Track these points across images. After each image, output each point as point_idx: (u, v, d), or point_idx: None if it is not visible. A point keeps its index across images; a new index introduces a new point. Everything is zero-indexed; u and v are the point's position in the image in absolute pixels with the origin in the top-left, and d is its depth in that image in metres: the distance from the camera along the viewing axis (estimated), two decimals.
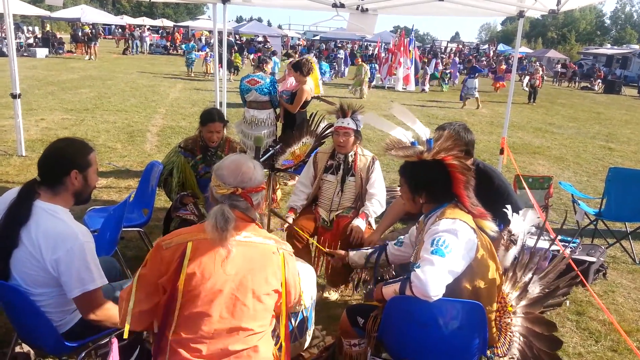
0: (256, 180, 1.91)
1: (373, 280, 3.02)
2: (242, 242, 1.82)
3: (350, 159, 3.69)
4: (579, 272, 2.57)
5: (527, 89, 19.92)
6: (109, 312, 2.17)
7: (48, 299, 2.14)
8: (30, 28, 32.17)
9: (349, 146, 3.65)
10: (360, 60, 19.35)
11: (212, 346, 1.75)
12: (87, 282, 2.08)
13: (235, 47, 21.03)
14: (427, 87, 20.79)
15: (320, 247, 3.32)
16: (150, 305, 1.81)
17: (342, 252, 3.02)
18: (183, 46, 23.30)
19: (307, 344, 2.90)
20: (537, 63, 28.72)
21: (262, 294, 1.82)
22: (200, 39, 33.36)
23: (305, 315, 2.75)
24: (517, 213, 2.49)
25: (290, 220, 3.66)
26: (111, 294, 2.46)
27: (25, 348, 2.69)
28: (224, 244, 1.77)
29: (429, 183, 2.31)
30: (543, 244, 2.85)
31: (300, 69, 6.28)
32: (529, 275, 2.38)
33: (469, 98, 16.20)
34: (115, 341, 1.74)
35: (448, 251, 2.05)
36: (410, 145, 2.36)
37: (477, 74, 16.65)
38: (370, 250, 2.91)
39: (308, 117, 5.89)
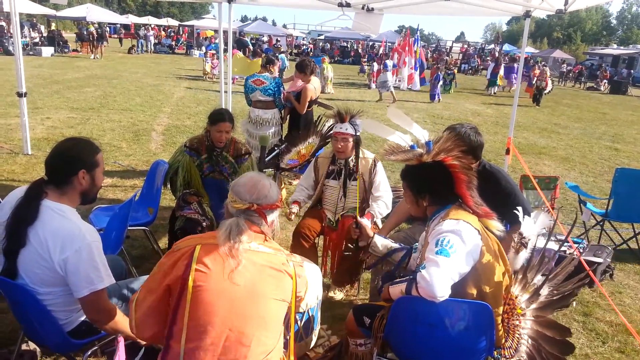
0: (271, 198, 1.93)
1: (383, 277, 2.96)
2: (253, 251, 1.82)
3: (351, 164, 3.68)
4: (590, 272, 2.55)
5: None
6: (113, 314, 2.17)
7: (54, 297, 2.15)
8: (37, 26, 32.22)
9: (348, 151, 3.64)
10: (325, 59, 19.10)
11: (223, 356, 1.72)
12: (96, 282, 2.08)
13: (250, 47, 20.77)
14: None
15: (355, 216, 2.96)
16: (152, 306, 1.79)
17: (371, 232, 2.78)
18: (204, 47, 23.14)
19: (312, 344, 2.89)
20: (542, 63, 28.39)
21: (272, 303, 1.80)
22: (205, 39, 33.39)
23: (311, 314, 2.74)
24: (528, 215, 2.46)
25: (295, 209, 3.65)
26: (118, 293, 2.46)
27: (32, 346, 2.70)
28: (235, 253, 1.76)
29: (431, 185, 2.30)
30: (551, 245, 2.83)
31: (303, 69, 6.31)
32: (539, 277, 2.37)
33: (382, 92, 16.25)
34: (121, 339, 1.74)
35: (453, 251, 2.04)
36: (409, 148, 2.35)
37: (388, 67, 16.79)
38: (396, 245, 2.75)
39: (315, 119, 5.90)
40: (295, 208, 3.68)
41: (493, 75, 21.20)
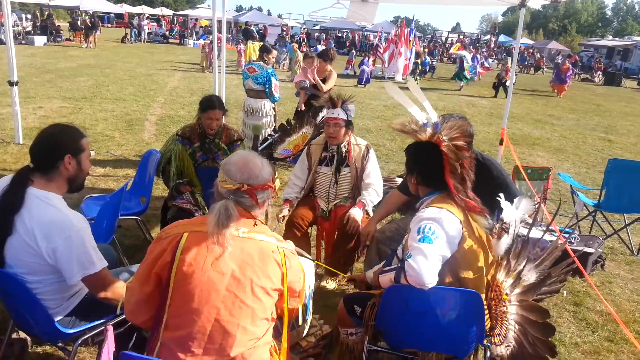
0: (263, 178, 1.87)
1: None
2: (241, 238, 1.78)
3: (343, 150, 3.67)
4: (575, 258, 2.56)
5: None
6: (118, 290, 2.18)
7: (44, 286, 2.14)
8: (29, 16, 31.87)
9: (340, 137, 3.62)
10: (296, 45, 19.25)
11: (209, 345, 1.71)
12: (88, 267, 2.09)
13: (256, 35, 20.61)
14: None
15: (342, 274, 3.11)
16: (142, 294, 1.79)
17: (361, 275, 2.83)
18: (200, 37, 23.07)
19: (304, 333, 2.89)
20: (504, 54, 27.97)
21: (260, 291, 1.77)
22: (200, 27, 33.12)
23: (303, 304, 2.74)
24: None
25: (285, 212, 3.66)
26: None
27: (22, 335, 2.69)
28: (222, 240, 1.73)
29: (420, 164, 2.34)
30: (539, 232, 2.84)
31: (326, 56, 6.55)
32: (523, 263, 2.38)
33: None
34: (110, 328, 1.74)
35: (435, 237, 2.07)
36: (421, 125, 2.34)
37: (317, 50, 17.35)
38: (382, 263, 2.70)
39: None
40: (285, 210, 3.67)
41: (461, 67, 18.71)
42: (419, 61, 20.08)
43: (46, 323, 2.20)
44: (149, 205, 4.00)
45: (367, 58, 18.13)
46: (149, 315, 1.81)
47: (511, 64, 19.01)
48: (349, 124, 3.62)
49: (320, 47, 20.98)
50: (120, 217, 3.41)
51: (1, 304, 2.65)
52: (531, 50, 34.87)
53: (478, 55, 22.92)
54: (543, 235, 2.51)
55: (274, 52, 8.14)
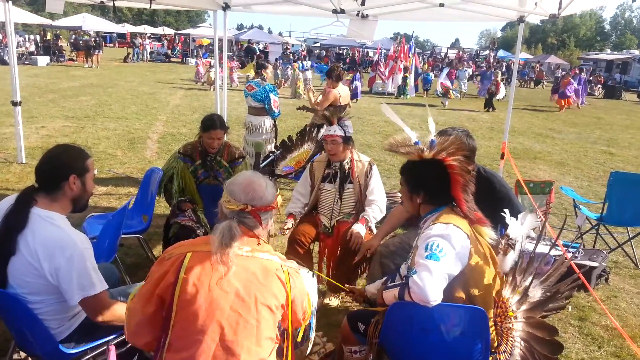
0: (266, 200, 1.87)
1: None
2: (245, 257, 1.78)
3: (346, 166, 3.67)
4: (580, 275, 2.54)
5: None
6: (116, 312, 2.16)
7: (46, 306, 2.13)
8: (32, 37, 32.17)
9: (339, 153, 3.62)
10: (296, 65, 19.66)
11: None
12: (87, 288, 2.07)
13: (262, 55, 20.98)
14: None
15: (340, 286, 2.89)
16: (144, 315, 1.77)
17: (360, 288, 2.85)
18: (203, 56, 23.46)
19: (308, 351, 2.87)
20: (497, 68, 27.96)
21: (265, 309, 1.76)
22: (201, 46, 33.44)
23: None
24: (517, 218, 2.46)
25: (289, 225, 3.64)
26: None
27: (23, 355, 2.67)
28: (226, 259, 1.72)
29: (427, 183, 2.30)
30: (544, 248, 2.82)
31: (331, 75, 6.51)
32: (529, 279, 2.36)
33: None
34: (113, 348, 1.73)
35: (442, 255, 2.04)
36: (413, 144, 2.34)
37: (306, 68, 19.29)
38: (384, 279, 2.74)
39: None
40: (289, 223, 3.66)
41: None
42: (407, 75, 19.86)
43: (48, 344, 2.19)
44: (151, 223, 3.99)
45: (358, 74, 18.36)
46: (151, 338, 1.80)
47: (501, 77, 19.22)
48: (347, 140, 3.61)
49: (306, 64, 21.35)
50: (122, 236, 3.41)
51: (3, 325, 2.63)
52: (536, 65, 35.00)
53: (498, 72, 22.38)
54: (549, 251, 2.49)
55: (270, 67, 8.20)
